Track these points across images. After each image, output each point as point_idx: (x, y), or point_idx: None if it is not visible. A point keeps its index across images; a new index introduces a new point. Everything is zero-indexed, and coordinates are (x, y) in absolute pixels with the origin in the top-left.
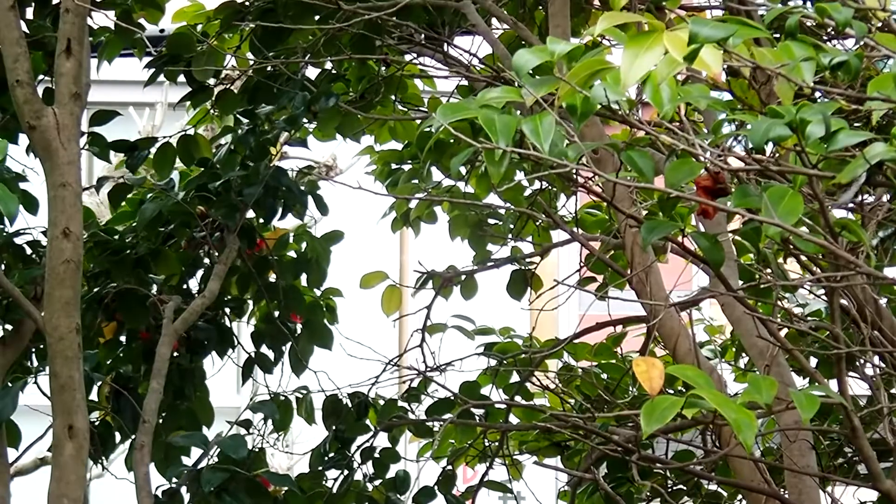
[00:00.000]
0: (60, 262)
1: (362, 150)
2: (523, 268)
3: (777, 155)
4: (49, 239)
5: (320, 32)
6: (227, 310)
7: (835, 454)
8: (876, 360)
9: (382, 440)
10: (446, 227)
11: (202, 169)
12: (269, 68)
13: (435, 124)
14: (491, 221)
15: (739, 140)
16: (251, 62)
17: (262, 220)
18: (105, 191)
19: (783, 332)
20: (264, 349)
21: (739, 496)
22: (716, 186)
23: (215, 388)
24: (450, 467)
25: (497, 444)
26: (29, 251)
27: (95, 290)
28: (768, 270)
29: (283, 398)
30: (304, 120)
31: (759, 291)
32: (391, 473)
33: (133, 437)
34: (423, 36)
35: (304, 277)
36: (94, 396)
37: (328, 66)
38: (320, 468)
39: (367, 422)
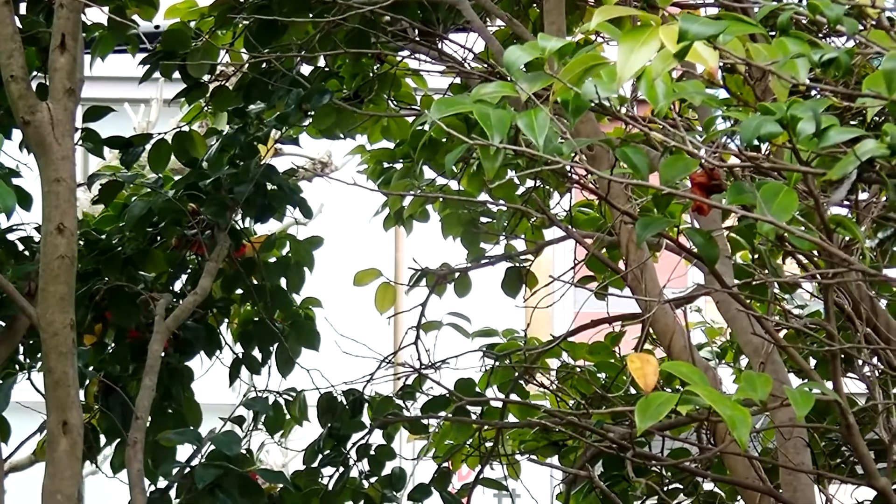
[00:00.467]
0: (55, 257)
1: (353, 150)
2: (518, 265)
3: (769, 153)
4: (43, 234)
5: (314, 28)
6: (214, 310)
7: (833, 453)
8: (874, 359)
9: (378, 437)
10: (440, 225)
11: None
12: (263, 65)
13: (429, 120)
14: (484, 220)
15: (735, 137)
16: (245, 58)
17: (251, 220)
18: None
19: (781, 332)
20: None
21: (738, 496)
22: (710, 183)
23: (206, 383)
24: (446, 465)
25: (493, 441)
26: (21, 247)
27: (85, 288)
28: (765, 271)
29: (273, 400)
30: (298, 117)
31: (755, 289)
32: (387, 470)
33: (121, 437)
34: (417, 32)
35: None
36: (80, 398)
37: (322, 63)
38: (315, 465)
39: (363, 419)
